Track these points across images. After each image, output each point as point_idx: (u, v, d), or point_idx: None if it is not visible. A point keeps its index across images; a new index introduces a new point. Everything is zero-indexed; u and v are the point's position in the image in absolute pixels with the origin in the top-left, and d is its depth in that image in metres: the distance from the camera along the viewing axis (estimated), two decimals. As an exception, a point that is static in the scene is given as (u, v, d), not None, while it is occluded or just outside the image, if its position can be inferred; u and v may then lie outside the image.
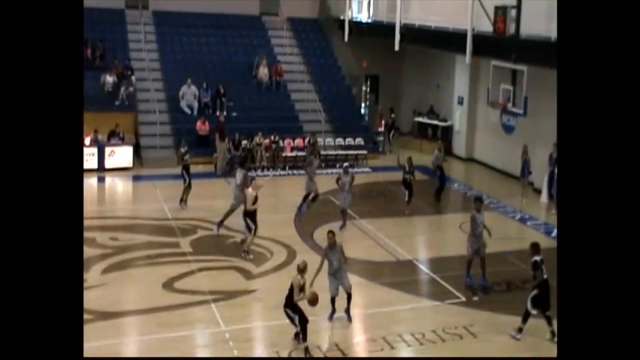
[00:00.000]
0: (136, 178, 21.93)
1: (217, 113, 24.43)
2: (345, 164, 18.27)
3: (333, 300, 11.99)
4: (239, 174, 16.74)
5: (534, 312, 11.42)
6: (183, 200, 18.49)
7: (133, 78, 24.86)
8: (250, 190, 15.01)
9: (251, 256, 14.91)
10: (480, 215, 13.68)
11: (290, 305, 10.69)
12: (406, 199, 18.66)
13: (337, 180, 17.19)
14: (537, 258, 11.33)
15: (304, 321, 10.69)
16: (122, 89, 24.15)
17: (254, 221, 14.99)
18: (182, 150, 18.85)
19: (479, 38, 19.92)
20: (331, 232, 11.99)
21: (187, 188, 18.43)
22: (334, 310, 12.01)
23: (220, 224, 16.62)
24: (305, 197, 18.05)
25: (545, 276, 11.27)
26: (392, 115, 27.65)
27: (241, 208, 15.39)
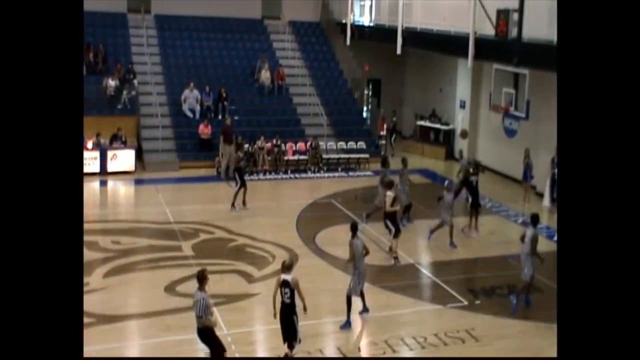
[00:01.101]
0: (138, 182, 21.96)
1: (220, 117, 24.47)
2: (447, 181, 17.02)
3: (349, 301, 11.94)
4: (381, 174, 16.96)
5: None
6: (243, 203, 18.59)
7: (135, 82, 24.90)
8: (389, 192, 14.91)
9: (399, 262, 14.92)
10: None
11: None
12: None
13: (439, 199, 16.44)
14: None
15: None
16: (125, 92, 24.21)
17: (394, 223, 14.90)
18: (240, 154, 19.27)
19: (481, 41, 19.92)
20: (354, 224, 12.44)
21: (244, 189, 18.46)
22: (347, 317, 11.89)
23: (368, 217, 16.95)
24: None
25: None
26: (394, 119, 27.64)
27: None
